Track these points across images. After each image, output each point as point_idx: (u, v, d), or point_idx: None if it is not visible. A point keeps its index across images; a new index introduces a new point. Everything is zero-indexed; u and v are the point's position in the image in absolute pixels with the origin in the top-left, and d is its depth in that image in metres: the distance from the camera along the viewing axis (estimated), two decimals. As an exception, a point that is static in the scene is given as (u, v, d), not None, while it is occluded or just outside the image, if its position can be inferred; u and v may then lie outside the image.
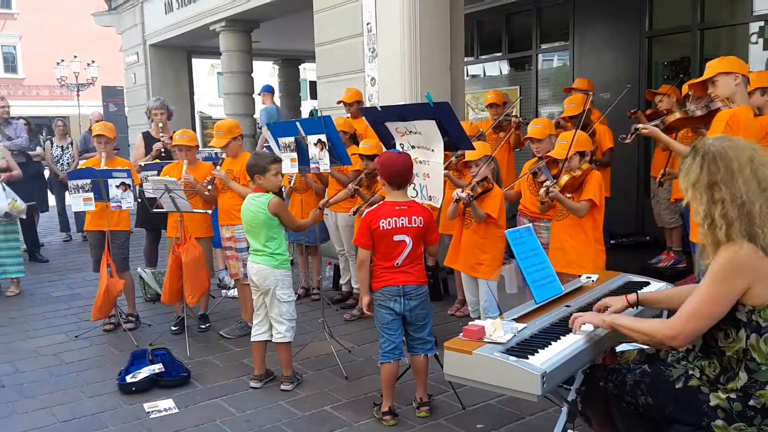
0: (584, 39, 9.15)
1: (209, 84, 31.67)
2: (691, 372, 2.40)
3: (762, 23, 7.33)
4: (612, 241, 6.85)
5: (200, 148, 6.31)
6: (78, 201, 5.38)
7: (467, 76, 10.47)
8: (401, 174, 3.69)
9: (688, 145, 4.16)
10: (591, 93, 6.33)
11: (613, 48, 8.72)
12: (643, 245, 7.73)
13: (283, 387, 4.30)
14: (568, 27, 9.37)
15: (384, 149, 4.71)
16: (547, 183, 4.13)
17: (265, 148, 6.77)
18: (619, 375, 2.55)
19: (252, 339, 4.37)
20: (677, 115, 4.19)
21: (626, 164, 7.84)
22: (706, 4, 7.79)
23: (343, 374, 4.49)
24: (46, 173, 10.05)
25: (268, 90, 9.91)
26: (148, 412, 4.04)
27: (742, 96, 3.83)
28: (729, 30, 7.91)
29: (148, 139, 6.66)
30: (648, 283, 3.26)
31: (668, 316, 2.82)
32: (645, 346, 2.70)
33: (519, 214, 5.14)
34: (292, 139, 4.94)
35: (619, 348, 2.80)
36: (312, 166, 4.92)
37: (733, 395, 2.27)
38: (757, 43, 7.41)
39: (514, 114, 6.78)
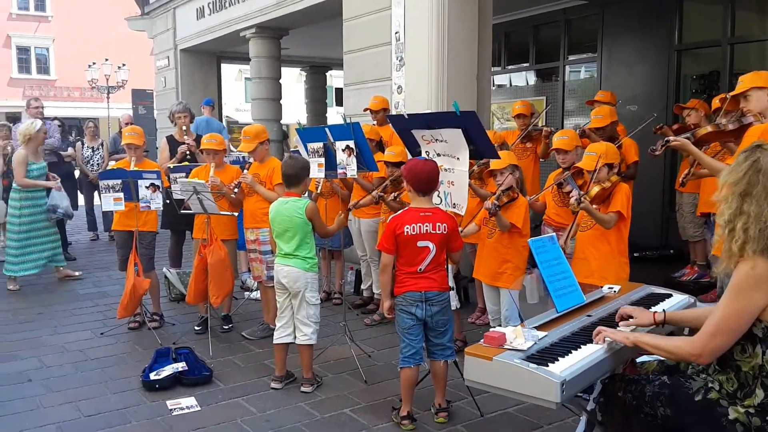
0: (612, 51, 9.12)
1: (236, 89, 32.03)
2: (710, 385, 2.40)
3: (793, 38, 7.27)
4: (635, 254, 6.81)
5: (227, 152, 6.40)
6: (108, 201, 5.49)
7: (493, 86, 10.49)
8: (428, 180, 3.72)
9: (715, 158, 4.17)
10: (615, 105, 6.33)
11: (641, 61, 8.69)
12: (667, 258, 7.67)
13: (303, 389, 4.35)
14: (596, 39, 9.36)
15: (409, 156, 4.75)
16: (575, 193, 4.13)
17: (291, 152, 6.85)
18: (638, 386, 2.55)
19: (275, 341, 4.42)
20: (708, 128, 4.18)
21: (651, 177, 7.79)
22: (737, 19, 7.74)
23: (363, 378, 4.53)
24: (76, 173, 10.24)
25: (208, 103, 10.10)
26: (171, 410, 4.10)
27: None
28: (759, 45, 7.83)
29: (172, 143, 6.77)
30: (671, 295, 3.25)
31: (690, 333, 2.83)
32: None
33: (543, 224, 5.15)
34: (320, 144, 5.01)
35: (639, 359, 2.81)
36: (339, 171, 4.98)
37: (751, 410, 2.27)
38: (787, 58, 7.34)
39: (543, 124, 6.78)
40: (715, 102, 5.23)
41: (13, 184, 7.21)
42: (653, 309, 2.95)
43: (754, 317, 2.22)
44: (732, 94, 3.95)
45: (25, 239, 7.11)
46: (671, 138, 4.06)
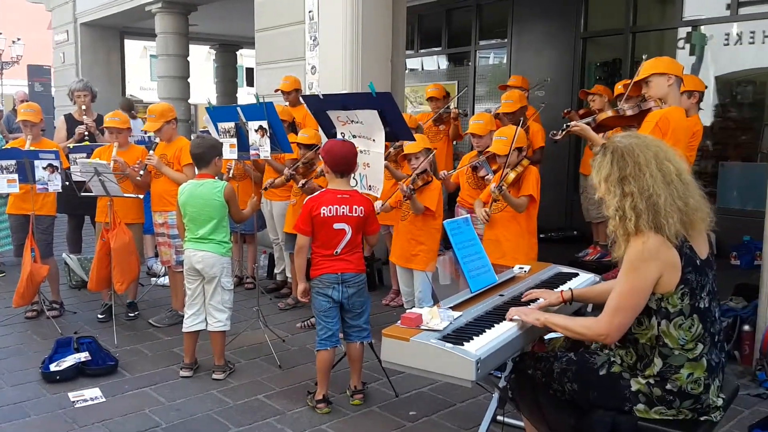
0: (522, 37, 9.34)
1: (141, 66, 30.71)
2: (612, 359, 2.50)
3: (689, 29, 7.66)
4: (541, 235, 7.05)
5: (132, 132, 6.12)
6: (2, 182, 5.14)
7: (406, 69, 10.53)
8: (346, 162, 3.69)
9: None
10: (527, 90, 6.49)
11: (549, 47, 8.95)
12: (571, 239, 7.97)
13: (215, 376, 4.25)
14: (506, 25, 9.55)
15: (324, 138, 4.69)
16: (490, 178, 4.20)
17: (200, 132, 6.64)
18: (546, 363, 2.64)
19: (186, 329, 4.29)
20: (609, 113, 4.31)
21: (556, 161, 8.06)
22: (639, 8, 8.09)
23: (277, 363, 4.47)
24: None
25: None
26: (74, 401, 3.93)
27: (675, 97, 3.91)
28: (659, 34, 8.23)
29: (71, 122, 6.43)
30: (577, 274, 3.37)
31: (593, 309, 2.94)
32: None
33: (458, 206, 5.22)
34: (232, 124, 4.86)
35: (547, 336, 2.89)
36: (252, 152, 4.86)
37: (651, 380, 2.38)
38: (684, 48, 7.74)
39: (454, 106, 6.86)
40: (618, 88, 5.43)
41: None
42: (561, 288, 3.04)
43: (650, 290, 2.32)
44: (634, 79, 4.07)
45: None
46: (572, 123, 4.16)
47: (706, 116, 7.28)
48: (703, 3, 7.71)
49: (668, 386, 2.35)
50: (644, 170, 2.33)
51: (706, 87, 5.24)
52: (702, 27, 7.64)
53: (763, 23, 7.07)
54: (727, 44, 7.54)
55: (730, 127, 7.64)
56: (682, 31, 7.76)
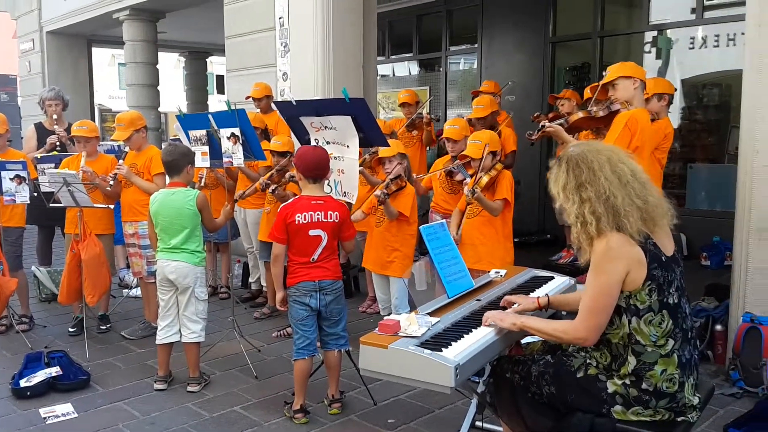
0: (492, 43, 9.41)
1: (109, 75, 30.30)
2: (589, 361, 2.52)
3: (655, 33, 7.79)
4: (516, 239, 7.11)
5: (101, 141, 6.03)
6: (-34, 195, 5.02)
7: (378, 75, 10.55)
8: (318, 167, 3.67)
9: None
10: (498, 95, 6.54)
11: (518, 52, 9.03)
12: (545, 243, 8.04)
13: (189, 388, 4.18)
14: (476, 30, 9.62)
15: (297, 145, 4.66)
16: (468, 182, 4.21)
17: (171, 141, 6.56)
18: (524, 366, 2.64)
19: (160, 341, 4.22)
20: (580, 114, 4.37)
21: (529, 165, 8.12)
22: (606, 13, 8.20)
23: (253, 374, 4.42)
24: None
25: None
26: (45, 418, 3.83)
27: (640, 99, 4.06)
28: (626, 38, 8.35)
29: (41, 131, 6.30)
30: (552, 278, 3.39)
31: (568, 313, 2.96)
32: None
33: (431, 211, 5.22)
34: (203, 132, 4.81)
35: (524, 340, 2.90)
36: (225, 160, 4.81)
37: (627, 381, 2.39)
38: (650, 52, 7.87)
39: (426, 112, 6.89)
40: (587, 92, 5.51)
41: None
42: (538, 293, 3.06)
43: (619, 289, 2.35)
44: (601, 83, 4.17)
45: None
46: (546, 123, 4.23)
47: (674, 119, 7.40)
48: (668, 7, 7.85)
49: (644, 386, 2.36)
50: (599, 174, 2.38)
51: (675, 89, 5.34)
52: (668, 31, 7.79)
53: (727, 27, 7.21)
54: (693, 48, 7.69)
55: (698, 129, 7.79)
56: (649, 35, 7.90)
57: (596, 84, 4.46)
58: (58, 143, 6.06)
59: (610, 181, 2.36)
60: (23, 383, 4.14)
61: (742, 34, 5.53)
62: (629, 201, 2.34)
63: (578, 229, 2.40)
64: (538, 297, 2.85)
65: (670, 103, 4.94)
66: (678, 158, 7.70)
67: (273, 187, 5.03)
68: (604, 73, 4.18)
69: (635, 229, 2.32)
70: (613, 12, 8.36)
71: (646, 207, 2.37)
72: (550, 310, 2.92)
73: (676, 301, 2.39)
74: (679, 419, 2.39)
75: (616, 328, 2.40)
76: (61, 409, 3.93)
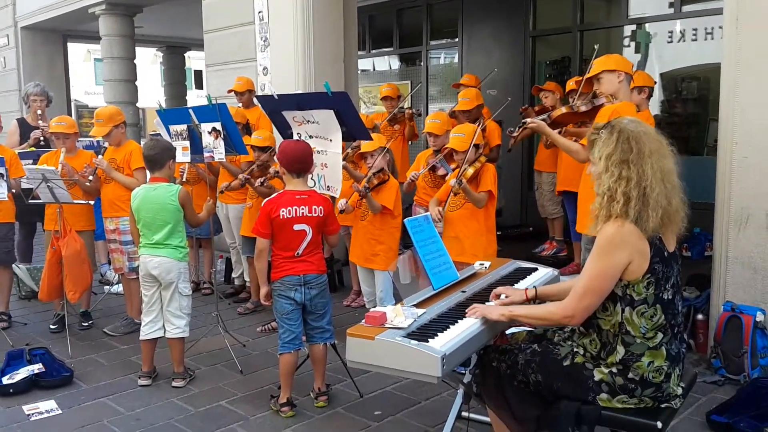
0: (472, 37, 9.43)
1: (85, 70, 29.90)
2: (576, 349, 2.54)
3: (634, 27, 7.85)
4: (499, 232, 7.15)
5: (80, 137, 5.97)
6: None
7: (358, 70, 10.53)
8: (301, 161, 3.65)
9: (571, 140, 4.40)
10: (478, 87, 6.56)
11: (499, 46, 9.05)
12: (527, 235, 8.08)
13: (174, 384, 4.16)
14: (456, 24, 9.63)
15: (279, 140, 4.64)
16: (451, 176, 4.22)
17: (151, 136, 6.51)
18: (511, 355, 2.66)
19: (144, 337, 4.19)
20: (563, 110, 4.39)
21: (511, 158, 8.15)
22: (586, 6, 8.25)
23: (238, 368, 4.41)
24: None
25: None
26: (28, 415, 3.80)
27: (625, 92, 4.03)
28: (606, 32, 8.41)
29: (24, 126, 6.26)
30: (536, 269, 3.41)
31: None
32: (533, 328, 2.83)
33: (415, 204, 5.24)
34: (184, 126, 4.77)
35: (509, 331, 2.92)
36: (206, 155, 4.77)
37: (614, 369, 2.42)
38: (629, 45, 7.93)
39: (407, 107, 6.89)
40: (570, 84, 5.53)
41: None
42: (523, 284, 3.08)
43: (619, 275, 2.36)
44: (586, 76, 4.17)
45: None
46: (528, 120, 4.23)
47: (654, 112, 7.46)
48: (647, 1, 7.90)
49: (630, 375, 2.39)
50: (646, 161, 2.35)
51: (655, 82, 5.39)
52: (647, 25, 7.84)
53: (704, 20, 7.28)
54: (671, 41, 7.76)
55: (677, 122, 7.86)
56: (628, 29, 7.95)
57: (579, 78, 4.47)
58: (42, 139, 6.02)
59: (654, 172, 2.34)
60: (6, 380, 4.10)
61: (720, 27, 5.59)
62: (661, 198, 2.34)
63: (602, 202, 2.38)
64: (526, 289, 2.86)
65: (650, 96, 4.98)
66: (658, 151, 7.77)
67: (260, 180, 5.00)
68: (592, 65, 4.16)
69: (651, 226, 2.32)
70: (592, 6, 8.42)
71: (670, 209, 2.38)
72: (539, 303, 2.93)
73: (670, 297, 2.42)
74: (662, 406, 2.43)
75: (609, 314, 2.43)
76: (45, 406, 3.90)
